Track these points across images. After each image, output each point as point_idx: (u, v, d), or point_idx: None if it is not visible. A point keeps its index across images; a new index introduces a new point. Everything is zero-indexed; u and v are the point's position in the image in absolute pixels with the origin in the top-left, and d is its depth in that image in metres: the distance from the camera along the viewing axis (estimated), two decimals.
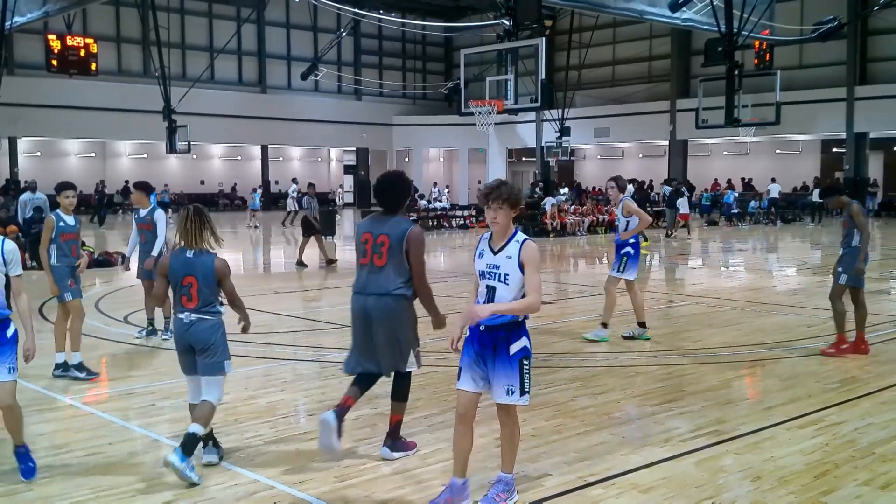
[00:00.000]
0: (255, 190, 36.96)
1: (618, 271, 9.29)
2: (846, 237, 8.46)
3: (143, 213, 9.36)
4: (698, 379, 7.57)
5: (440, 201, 35.97)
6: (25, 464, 4.99)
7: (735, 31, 21.24)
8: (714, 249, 23.32)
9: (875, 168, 38.71)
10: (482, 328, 4.45)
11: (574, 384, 7.34)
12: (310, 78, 38.79)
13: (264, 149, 46.22)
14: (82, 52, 25.72)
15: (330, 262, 17.39)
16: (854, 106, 35.51)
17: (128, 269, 11.04)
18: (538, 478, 5.03)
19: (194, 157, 41.83)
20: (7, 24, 23.16)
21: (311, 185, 19.36)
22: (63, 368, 7.61)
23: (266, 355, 8.42)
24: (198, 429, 5.04)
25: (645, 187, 33.81)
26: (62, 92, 35.16)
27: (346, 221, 33.96)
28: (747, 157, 42.25)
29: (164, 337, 9.34)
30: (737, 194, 35.03)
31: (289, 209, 33.39)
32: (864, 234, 8.26)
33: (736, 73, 20.95)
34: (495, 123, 21.95)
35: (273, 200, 44.09)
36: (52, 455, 5.35)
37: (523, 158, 49.89)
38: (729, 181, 37.16)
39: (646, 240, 22.06)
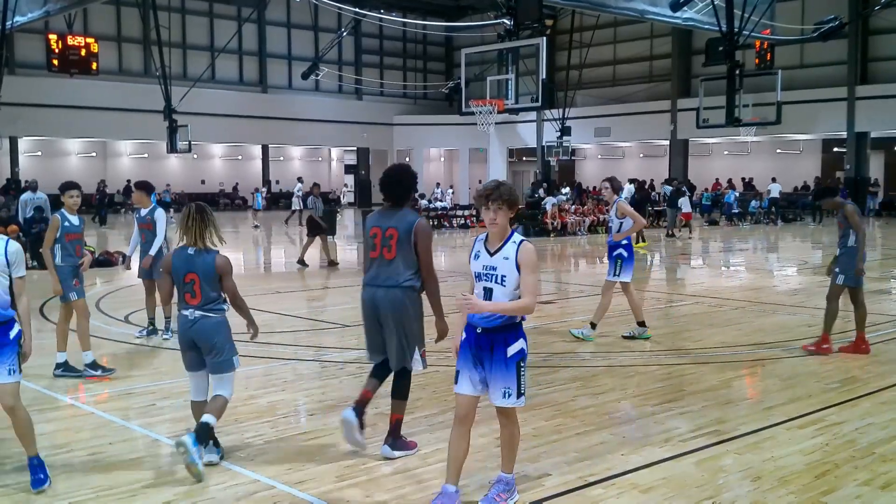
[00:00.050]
0: (257, 190, 36.99)
1: (614, 275, 9.29)
2: (842, 238, 8.51)
3: (143, 212, 9.39)
4: (698, 379, 7.57)
5: (440, 201, 35.96)
6: (35, 475, 4.81)
7: (736, 30, 21.24)
8: (715, 249, 23.31)
9: (876, 168, 38.69)
10: (479, 330, 4.43)
11: (574, 384, 7.34)
12: (311, 77, 38.80)
13: (265, 148, 46.25)
14: (83, 52, 25.76)
15: (331, 264, 17.39)
16: (855, 105, 35.50)
17: (129, 268, 11.06)
18: (538, 478, 5.03)
19: (195, 156, 41.84)
20: (8, 23, 23.19)
21: (315, 185, 19.35)
22: (64, 368, 7.62)
23: (266, 355, 8.42)
24: (211, 419, 5.16)
25: (646, 187, 33.76)
26: (63, 91, 35.18)
27: (348, 221, 33.96)
28: (748, 157, 42.23)
29: (164, 336, 9.35)
30: (737, 194, 35.01)
31: (293, 208, 33.42)
32: (859, 234, 8.30)
33: (737, 72, 20.94)
34: (496, 123, 21.97)
35: (273, 200, 44.10)
36: (53, 455, 5.35)
37: (524, 158, 49.88)
38: (730, 181, 37.15)
39: (643, 241, 22.06)
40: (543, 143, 41.66)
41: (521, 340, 4.45)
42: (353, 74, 45.53)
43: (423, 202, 32.81)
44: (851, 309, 8.65)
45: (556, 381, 7.46)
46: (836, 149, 38.91)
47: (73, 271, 7.66)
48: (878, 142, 37.28)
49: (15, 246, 4.84)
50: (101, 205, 33.35)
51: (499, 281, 4.37)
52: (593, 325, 9.30)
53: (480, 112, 19.82)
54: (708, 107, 23.58)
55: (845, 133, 36.14)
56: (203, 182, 45.26)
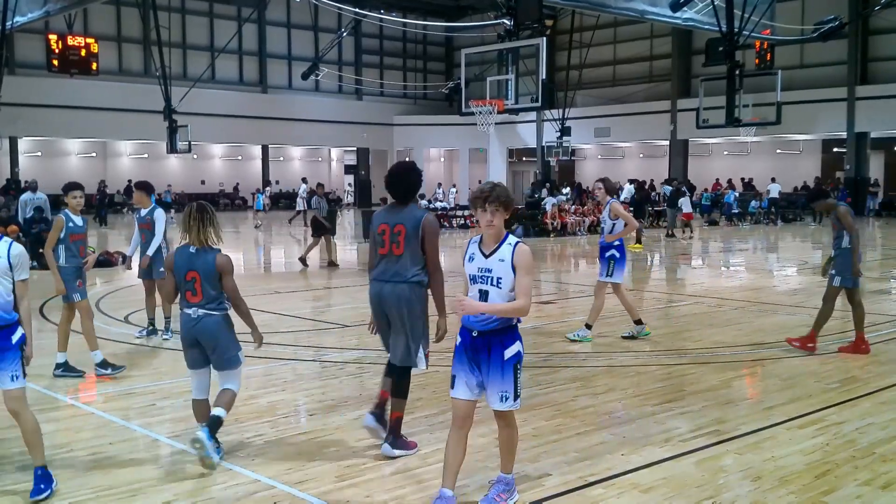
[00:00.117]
0: (258, 191, 36.95)
1: (606, 276, 9.29)
2: (836, 239, 8.57)
3: (143, 212, 9.40)
4: (698, 379, 7.58)
5: (441, 201, 35.95)
6: (36, 485, 4.70)
7: (736, 30, 21.25)
8: (714, 249, 23.31)
9: (876, 168, 38.69)
10: (475, 333, 4.40)
11: (574, 384, 7.34)
12: (310, 78, 38.80)
13: (265, 149, 46.25)
14: (83, 52, 25.75)
15: (331, 264, 17.39)
16: (855, 106, 35.51)
17: (129, 268, 11.06)
18: (538, 478, 5.03)
19: (195, 156, 41.85)
20: (8, 23, 23.19)
21: (320, 185, 19.35)
22: (64, 368, 7.62)
23: (266, 355, 8.42)
24: (221, 412, 5.27)
25: (646, 187, 33.77)
26: (63, 92, 35.19)
27: (348, 222, 33.95)
28: (748, 157, 42.24)
29: (164, 337, 9.36)
30: (737, 194, 35.03)
31: (298, 208, 33.44)
32: (853, 235, 8.35)
33: (737, 72, 20.95)
34: (496, 123, 21.95)
35: (273, 200, 44.11)
36: (53, 455, 5.34)
37: (524, 158, 49.89)
38: (729, 181, 37.17)
39: (640, 243, 22.04)
40: (543, 144, 41.66)
41: (518, 343, 4.43)
42: (353, 74, 45.54)
43: (423, 202, 32.80)
44: (849, 309, 8.66)
45: (556, 381, 7.46)
46: (836, 149, 38.92)
47: (76, 272, 7.66)
48: (878, 142, 37.29)
49: (18, 248, 4.80)
50: (102, 205, 33.36)
51: (494, 283, 4.34)
52: (588, 326, 9.29)
53: (480, 112, 19.80)
54: (708, 107, 23.59)
55: (845, 133, 36.14)
56: (203, 182, 45.27)
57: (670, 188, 29.07)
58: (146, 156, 43.27)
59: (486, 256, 4.39)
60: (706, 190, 36.63)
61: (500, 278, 4.33)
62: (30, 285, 4.90)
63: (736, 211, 33.44)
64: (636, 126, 42.24)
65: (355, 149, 49.52)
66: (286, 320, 10.80)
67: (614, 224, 9.36)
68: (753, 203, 34.13)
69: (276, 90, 45.88)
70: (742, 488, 4.88)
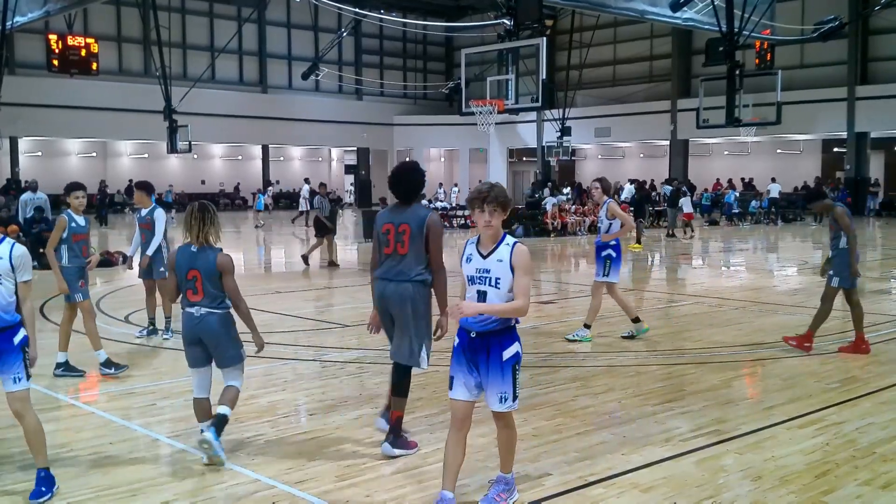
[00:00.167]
0: (259, 191, 36.91)
1: (603, 275, 9.29)
2: (833, 240, 8.59)
3: (144, 212, 9.41)
4: (698, 379, 7.58)
5: (441, 201, 35.95)
6: (38, 487, 4.68)
7: (736, 30, 21.24)
8: (715, 249, 23.30)
9: (876, 168, 38.68)
10: (473, 334, 4.38)
11: (574, 384, 7.34)
12: (311, 78, 38.80)
13: (265, 148, 46.25)
14: (83, 52, 25.75)
15: (332, 264, 17.40)
16: (855, 106, 35.51)
17: (130, 268, 11.05)
18: (538, 477, 5.03)
19: (195, 156, 41.85)
20: (8, 23, 23.19)
21: (322, 185, 19.35)
22: (64, 368, 7.62)
23: (266, 355, 8.40)
24: (227, 410, 5.32)
25: (646, 187, 33.77)
26: (63, 92, 35.19)
27: (348, 222, 33.94)
28: (748, 157, 42.23)
29: (164, 336, 9.36)
30: (737, 194, 35.03)
31: (301, 209, 33.46)
32: (850, 236, 8.37)
33: (737, 72, 20.95)
34: (496, 123, 21.95)
35: (274, 200, 44.08)
36: (53, 454, 5.34)
37: (524, 158, 49.89)
38: (730, 181, 37.17)
39: (639, 243, 22.04)
40: (543, 144, 41.66)
41: (517, 343, 4.42)
42: (353, 74, 45.54)
43: (424, 202, 32.83)
44: (849, 309, 8.67)
45: (556, 381, 7.46)
46: (836, 149, 38.91)
47: (79, 272, 7.66)
48: (878, 142, 37.28)
49: (21, 250, 4.77)
50: (102, 205, 33.35)
51: (493, 284, 4.32)
52: (587, 326, 9.30)
53: (480, 112, 19.81)
54: (708, 107, 23.59)
55: (845, 133, 36.14)
56: (203, 182, 45.28)
57: (670, 188, 29.08)
58: (146, 156, 43.28)
59: (484, 257, 4.37)
60: (706, 190, 36.64)
61: (499, 279, 4.31)
62: (32, 286, 4.89)
63: (736, 211, 33.43)
64: (636, 126, 42.24)
65: (355, 149, 49.53)
66: (286, 320, 10.80)
67: (611, 224, 9.37)
68: (754, 203, 34.13)
69: (276, 90, 45.89)
70: (742, 488, 4.89)
